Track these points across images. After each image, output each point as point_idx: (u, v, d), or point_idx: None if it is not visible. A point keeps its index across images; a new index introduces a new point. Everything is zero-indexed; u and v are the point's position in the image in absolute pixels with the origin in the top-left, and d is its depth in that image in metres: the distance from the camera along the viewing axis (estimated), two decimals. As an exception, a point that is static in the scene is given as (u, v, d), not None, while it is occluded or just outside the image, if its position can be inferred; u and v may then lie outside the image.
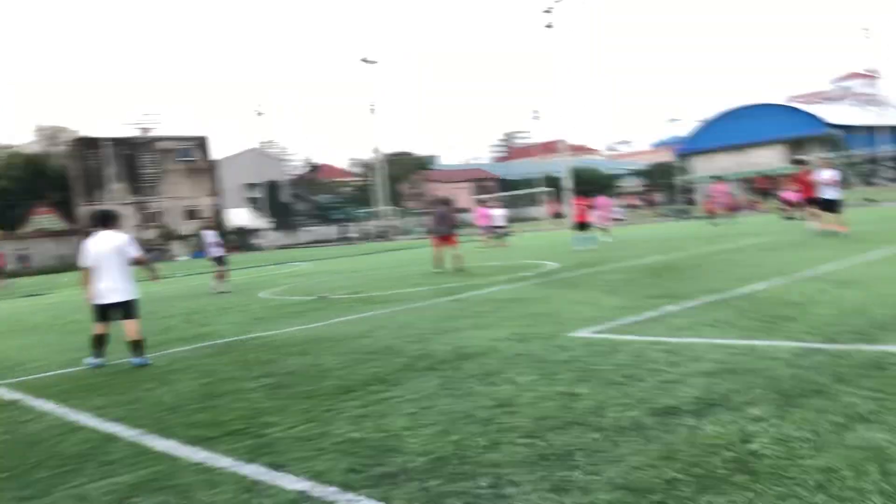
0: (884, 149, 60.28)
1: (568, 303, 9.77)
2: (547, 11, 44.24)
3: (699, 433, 4.03)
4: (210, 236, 18.25)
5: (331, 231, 67.11)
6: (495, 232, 28.80)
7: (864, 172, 62.51)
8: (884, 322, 6.46)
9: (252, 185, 73.86)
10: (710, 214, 28.16)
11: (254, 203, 72.58)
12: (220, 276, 17.86)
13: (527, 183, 76.00)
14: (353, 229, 60.13)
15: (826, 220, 17.28)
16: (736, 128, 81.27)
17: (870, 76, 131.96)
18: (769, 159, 75.55)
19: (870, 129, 76.31)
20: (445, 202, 19.21)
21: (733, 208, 40.58)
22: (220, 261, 17.93)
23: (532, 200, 61.36)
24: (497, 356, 6.64)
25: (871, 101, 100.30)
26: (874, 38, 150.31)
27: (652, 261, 14.93)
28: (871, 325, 6.40)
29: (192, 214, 67.44)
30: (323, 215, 74.33)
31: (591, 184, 79.03)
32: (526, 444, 4.16)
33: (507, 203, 33.79)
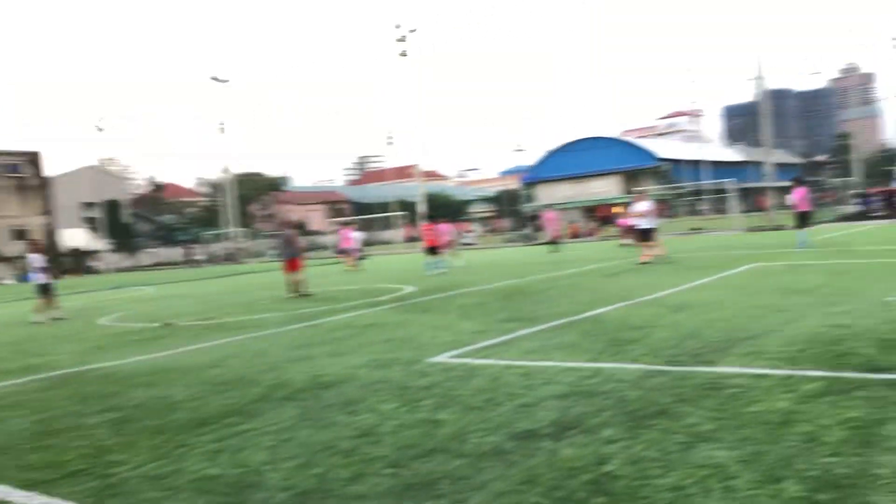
0: (707, 181, 65.48)
1: (425, 328, 9.86)
2: (400, 40, 44.81)
3: (557, 456, 4.18)
4: (36, 260, 16.74)
5: (176, 253, 64.03)
6: (357, 255, 28.63)
7: (689, 203, 67.44)
8: (716, 345, 6.98)
9: (90, 205, 69.46)
10: (554, 241, 29.20)
11: (91, 223, 68.19)
12: (46, 306, 16.45)
13: (380, 206, 76.31)
14: (199, 251, 57.67)
15: (647, 250, 18.47)
16: (576, 159, 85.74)
17: (693, 114, 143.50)
18: (607, 189, 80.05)
19: (695, 163, 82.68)
20: (291, 225, 19.08)
21: (575, 235, 42.56)
22: (45, 289, 16.49)
23: (387, 224, 61.59)
24: (357, 384, 6.59)
25: (694, 137, 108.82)
26: (699, 80, 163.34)
27: (503, 285, 15.37)
28: (705, 347, 6.90)
29: (20, 234, 62.43)
30: (167, 237, 70.97)
31: (443, 209, 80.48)
32: (390, 473, 4.15)
33: (362, 226, 33.65)
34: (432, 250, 21.72)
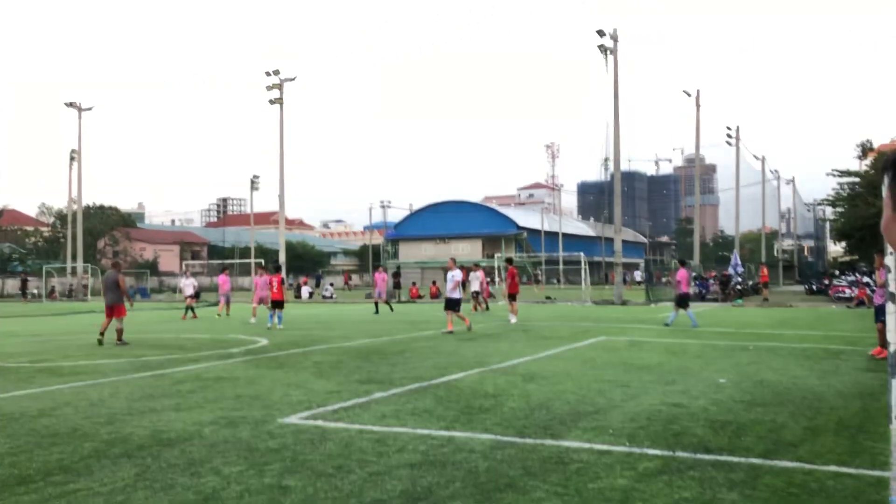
0: (561, 253, 68.53)
1: (277, 384, 9.61)
2: (273, 87, 44.48)
3: (406, 529, 4.15)
4: None
5: (10, 285, 59.18)
6: (195, 301, 27.28)
7: (544, 272, 69.95)
8: (563, 418, 7.23)
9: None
10: (377, 302, 28.63)
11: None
12: None
13: (239, 251, 74.19)
14: (36, 285, 53.59)
15: (451, 320, 17.94)
16: (440, 220, 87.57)
17: (552, 188, 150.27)
18: (468, 252, 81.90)
19: (553, 234, 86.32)
20: (118, 267, 17.28)
21: (434, 296, 42.99)
22: None
23: (245, 270, 59.83)
24: (202, 443, 6.31)
25: (552, 209, 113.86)
26: (558, 155, 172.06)
27: (360, 343, 15.26)
28: (554, 420, 7.13)
29: None
30: (1, 267, 65.60)
31: (304, 259, 79.32)
32: (232, 544, 3.97)
33: (228, 270, 32.34)
34: (277, 303, 20.81)
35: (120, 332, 15.74)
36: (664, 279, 49.08)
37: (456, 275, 18.53)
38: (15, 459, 5.82)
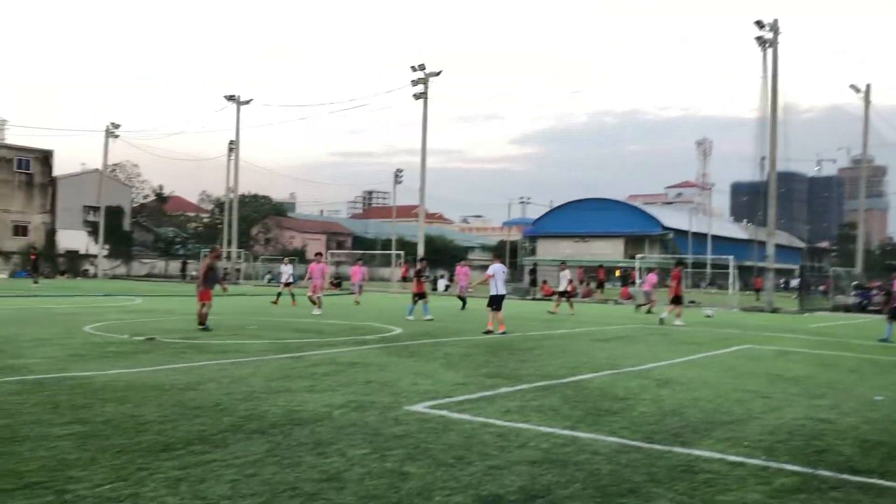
0: (709, 255, 65.75)
1: (407, 373, 9.78)
2: (418, 82, 45.35)
3: (520, 526, 4.09)
4: None
5: (172, 267, 63.94)
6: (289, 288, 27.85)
7: (690, 276, 67.37)
8: (696, 426, 6.91)
9: (92, 209, 69.59)
10: (461, 296, 28.37)
11: (92, 227, 68.22)
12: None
13: (381, 243, 76.40)
14: (195, 268, 57.49)
15: (493, 318, 16.48)
16: (580, 218, 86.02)
17: (702, 186, 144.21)
18: (609, 251, 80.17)
19: (699, 236, 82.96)
20: (215, 254, 17.20)
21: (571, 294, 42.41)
22: None
23: (386, 262, 61.56)
24: (330, 424, 6.50)
25: (702, 209, 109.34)
26: (709, 153, 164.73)
27: (491, 338, 15.28)
28: (686, 427, 6.82)
29: (20, 230, 62.56)
30: (166, 249, 70.94)
31: (442, 252, 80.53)
32: (349, 524, 4.05)
33: (361, 261, 33.64)
34: (418, 295, 21.05)
35: (202, 316, 15.55)
36: (821, 287, 46.01)
37: (495, 268, 17.05)
38: (162, 427, 6.22)
